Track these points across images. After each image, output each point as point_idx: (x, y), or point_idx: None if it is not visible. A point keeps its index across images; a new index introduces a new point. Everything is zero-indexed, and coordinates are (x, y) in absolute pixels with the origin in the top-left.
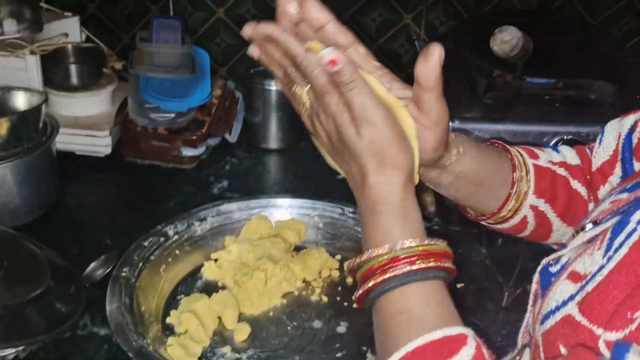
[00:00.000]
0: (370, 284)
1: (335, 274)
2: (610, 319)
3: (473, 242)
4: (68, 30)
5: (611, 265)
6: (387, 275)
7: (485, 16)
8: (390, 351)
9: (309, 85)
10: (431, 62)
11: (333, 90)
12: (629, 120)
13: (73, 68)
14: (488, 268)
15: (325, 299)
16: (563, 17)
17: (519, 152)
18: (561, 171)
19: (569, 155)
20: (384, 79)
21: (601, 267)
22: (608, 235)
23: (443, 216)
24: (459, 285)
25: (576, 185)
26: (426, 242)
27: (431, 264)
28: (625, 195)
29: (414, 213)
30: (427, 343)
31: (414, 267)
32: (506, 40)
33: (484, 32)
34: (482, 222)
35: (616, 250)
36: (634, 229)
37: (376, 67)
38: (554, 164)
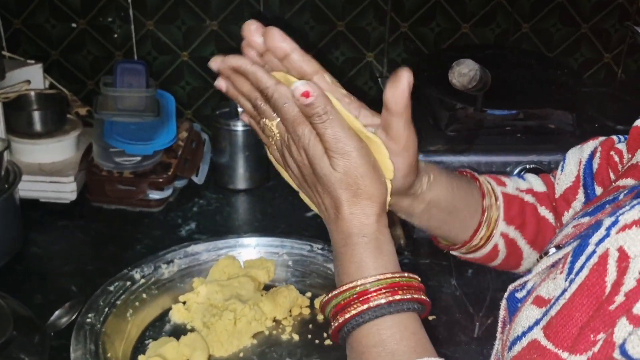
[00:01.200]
0: (344, 317)
1: (306, 311)
2: (574, 342)
3: (443, 274)
4: (31, 77)
5: (573, 288)
6: (361, 308)
7: (445, 52)
8: None
9: (278, 119)
10: (400, 87)
11: (305, 123)
12: (589, 146)
13: (36, 115)
14: (459, 299)
15: (296, 337)
16: (520, 51)
17: (487, 180)
18: (529, 198)
19: (535, 182)
20: (351, 106)
21: (564, 291)
22: (569, 258)
23: (413, 249)
24: (430, 318)
25: (544, 212)
26: (400, 274)
27: (406, 296)
28: (586, 219)
29: (388, 245)
30: None
31: (388, 300)
32: (464, 72)
33: (445, 67)
34: (454, 252)
35: (577, 273)
36: (593, 251)
37: (343, 94)
38: (521, 191)
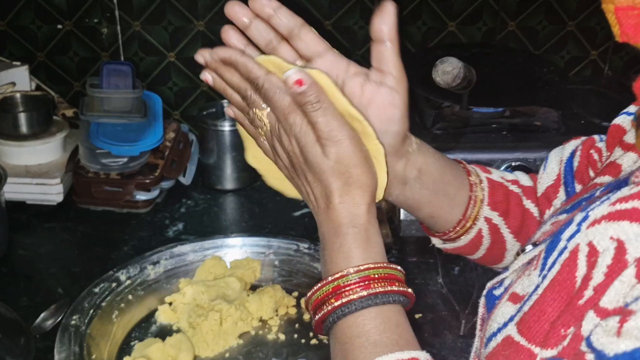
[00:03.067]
0: (329, 307)
1: (292, 311)
2: (546, 337)
3: (430, 272)
4: (17, 79)
5: (545, 283)
6: (347, 299)
7: (432, 50)
8: None
9: (269, 109)
10: (386, 16)
11: (297, 111)
12: (570, 145)
13: (22, 117)
14: (445, 297)
15: (282, 337)
16: (507, 49)
17: (471, 166)
18: (514, 188)
19: (522, 177)
20: (340, 63)
21: (537, 287)
22: (542, 254)
23: (400, 247)
24: (417, 316)
25: (529, 204)
26: (387, 266)
27: (393, 288)
28: (564, 216)
29: (376, 236)
30: None
31: (375, 291)
32: (447, 70)
33: (431, 66)
34: (439, 244)
35: (549, 269)
36: (565, 247)
37: (327, 48)
38: (507, 180)
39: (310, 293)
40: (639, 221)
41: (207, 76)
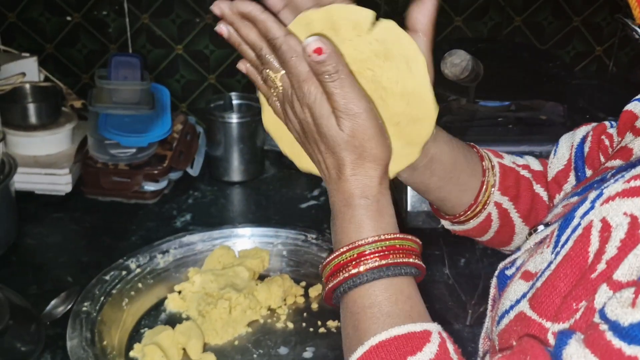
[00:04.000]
0: (340, 277)
1: (300, 300)
2: (558, 311)
3: (436, 263)
4: (26, 70)
5: (558, 259)
6: (358, 269)
7: (438, 45)
8: (356, 346)
9: (283, 71)
10: (426, 6)
11: (313, 80)
12: (581, 131)
13: (31, 107)
14: (451, 288)
15: (290, 325)
16: (513, 44)
17: (484, 150)
18: (525, 173)
19: (533, 162)
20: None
21: (550, 263)
22: (555, 232)
23: None
24: None
25: (539, 189)
26: (399, 237)
27: (404, 260)
28: (575, 199)
29: (388, 208)
30: (392, 338)
31: (387, 262)
32: (456, 63)
33: (438, 60)
34: (449, 226)
35: (562, 246)
36: (578, 224)
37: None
38: (518, 165)
39: (325, 262)
40: None
41: (222, 29)
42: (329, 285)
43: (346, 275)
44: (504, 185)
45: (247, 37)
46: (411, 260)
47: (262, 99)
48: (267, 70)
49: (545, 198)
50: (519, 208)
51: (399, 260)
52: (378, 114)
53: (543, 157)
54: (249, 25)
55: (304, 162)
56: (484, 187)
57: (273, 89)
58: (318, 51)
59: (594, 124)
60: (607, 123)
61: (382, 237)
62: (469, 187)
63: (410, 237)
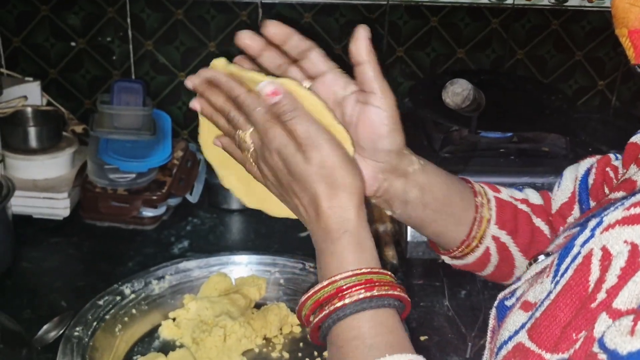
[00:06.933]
0: (326, 311)
1: (297, 329)
2: (557, 341)
3: (436, 295)
4: (29, 94)
5: (558, 289)
6: (342, 302)
7: (441, 76)
8: None
9: (252, 128)
10: (360, 39)
11: (276, 124)
12: (585, 163)
13: (32, 131)
14: (451, 320)
15: (286, 355)
16: (515, 76)
17: (479, 184)
18: (523, 207)
19: (532, 195)
20: (339, 81)
21: (549, 293)
22: (555, 261)
23: (406, 270)
24: (422, 338)
25: (539, 222)
26: (380, 270)
27: (388, 292)
28: (577, 230)
29: (368, 240)
30: None
31: (369, 294)
32: (457, 92)
33: (440, 90)
34: (448, 260)
35: (562, 275)
36: (578, 252)
37: (332, 67)
38: (515, 199)
39: (304, 299)
40: None
41: (195, 104)
42: (315, 321)
43: (332, 308)
44: (501, 219)
45: (216, 103)
46: (396, 292)
47: (215, 162)
48: (239, 132)
49: (547, 231)
50: (517, 242)
51: (382, 293)
52: (342, 145)
53: (545, 189)
54: (216, 91)
55: (274, 208)
56: (476, 222)
57: (247, 151)
58: (274, 93)
59: (598, 156)
60: (611, 155)
61: (364, 270)
62: (464, 221)
63: (388, 272)
